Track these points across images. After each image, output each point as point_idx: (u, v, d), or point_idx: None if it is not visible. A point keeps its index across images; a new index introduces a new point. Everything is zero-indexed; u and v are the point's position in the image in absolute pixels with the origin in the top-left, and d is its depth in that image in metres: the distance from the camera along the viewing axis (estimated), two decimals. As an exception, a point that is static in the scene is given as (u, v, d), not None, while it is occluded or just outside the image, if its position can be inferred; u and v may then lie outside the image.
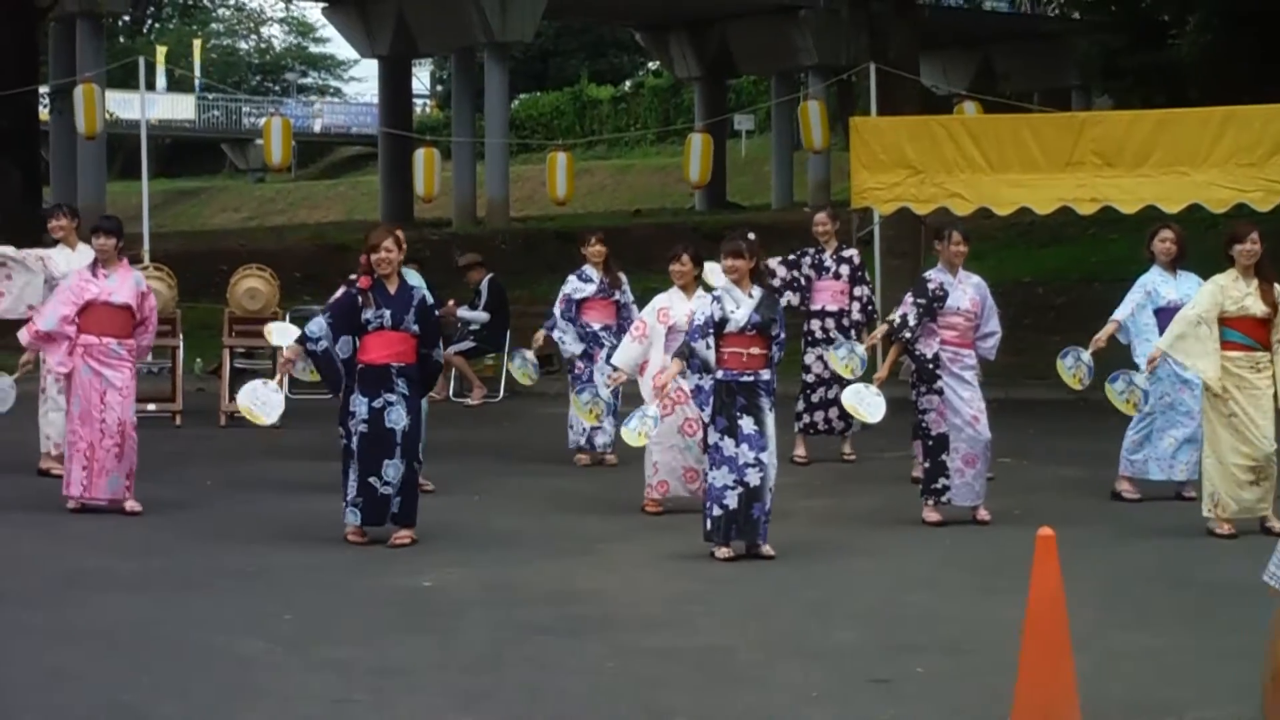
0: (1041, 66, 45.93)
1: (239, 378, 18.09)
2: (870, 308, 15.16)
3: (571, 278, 14.90)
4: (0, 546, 11.15)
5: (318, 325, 11.11)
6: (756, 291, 10.78)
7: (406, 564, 10.52)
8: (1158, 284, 12.85)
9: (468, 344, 20.01)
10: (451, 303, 19.58)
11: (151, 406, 17.59)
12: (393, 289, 11.10)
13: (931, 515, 11.98)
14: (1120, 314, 12.89)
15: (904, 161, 16.87)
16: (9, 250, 14.19)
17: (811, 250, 15.01)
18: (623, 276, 14.96)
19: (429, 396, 14.01)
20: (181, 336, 18.03)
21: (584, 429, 14.72)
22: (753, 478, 10.59)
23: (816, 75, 41.92)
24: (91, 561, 10.65)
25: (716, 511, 10.63)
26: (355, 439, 11.02)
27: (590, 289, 14.82)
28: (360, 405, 11.03)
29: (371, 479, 10.97)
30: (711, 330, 10.75)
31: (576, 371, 14.87)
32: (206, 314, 20.99)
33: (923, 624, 9.01)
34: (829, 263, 14.86)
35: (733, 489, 10.59)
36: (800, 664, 8.16)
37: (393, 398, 11.00)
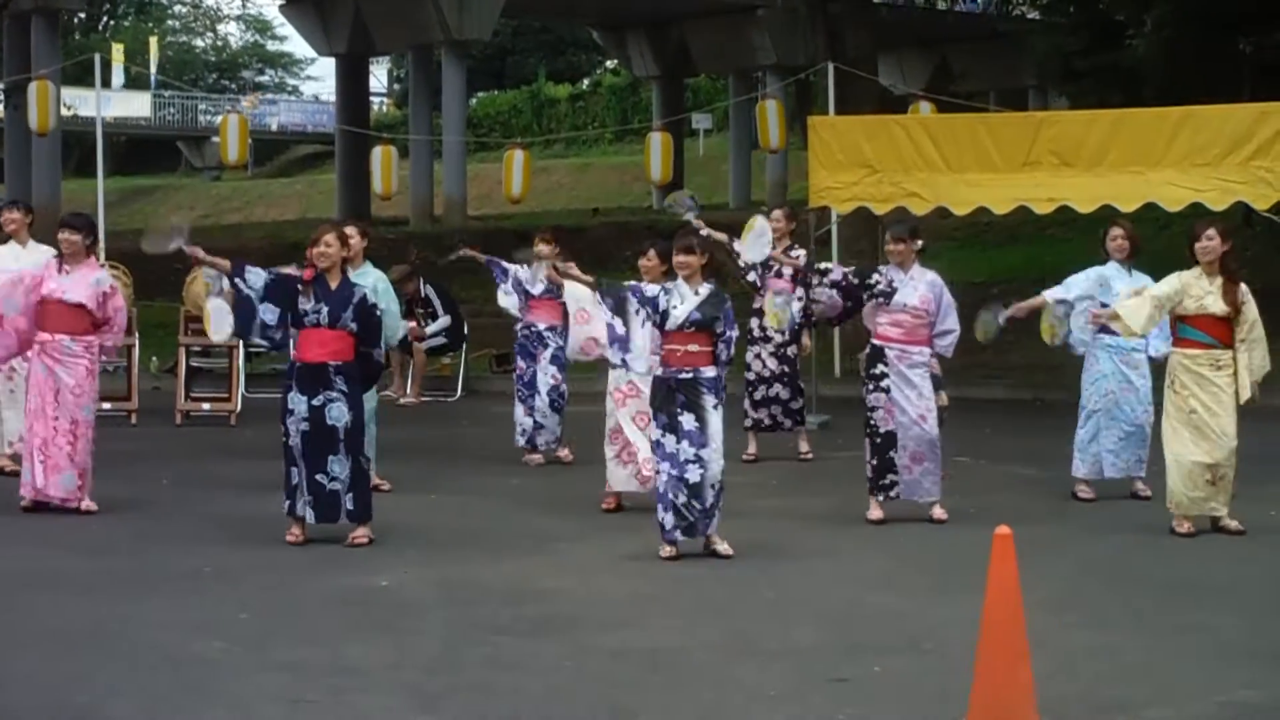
0: (998, 66, 46.04)
1: (195, 376, 18.09)
2: (810, 310, 15.15)
3: (524, 271, 14.89)
4: (-47, 546, 11.11)
5: (257, 276, 11.05)
6: (705, 289, 10.74)
7: (363, 564, 10.49)
8: (1112, 279, 12.86)
9: (438, 340, 20.11)
10: (414, 325, 19.60)
11: (107, 405, 17.48)
12: (334, 284, 11.04)
13: (875, 513, 12.02)
14: (1057, 293, 12.74)
15: (862, 161, 16.89)
16: None
17: None
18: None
19: (387, 394, 14.04)
20: (137, 335, 17.95)
21: (525, 429, 14.84)
22: (692, 474, 10.56)
23: (774, 74, 41.99)
24: (45, 561, 10.58)
25: (671, 520, 10.63)
26: (298, 437, 10.97)
27: (539, 288, 14.82)
28: (299, 403, 10.96)
29: (319, 476, 10.93)
30: (647, 306, 10.74)
31: (519, 371, 14.96)
32: (162, 313, 20.91)
33: (880, 623, 9.02)
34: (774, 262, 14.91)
35: (679, 486, 10.59)
36: (758, 663, 8.15)
37: (333, 394, 10.93)
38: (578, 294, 13.23)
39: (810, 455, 15.09)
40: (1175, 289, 11.53)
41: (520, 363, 15.03)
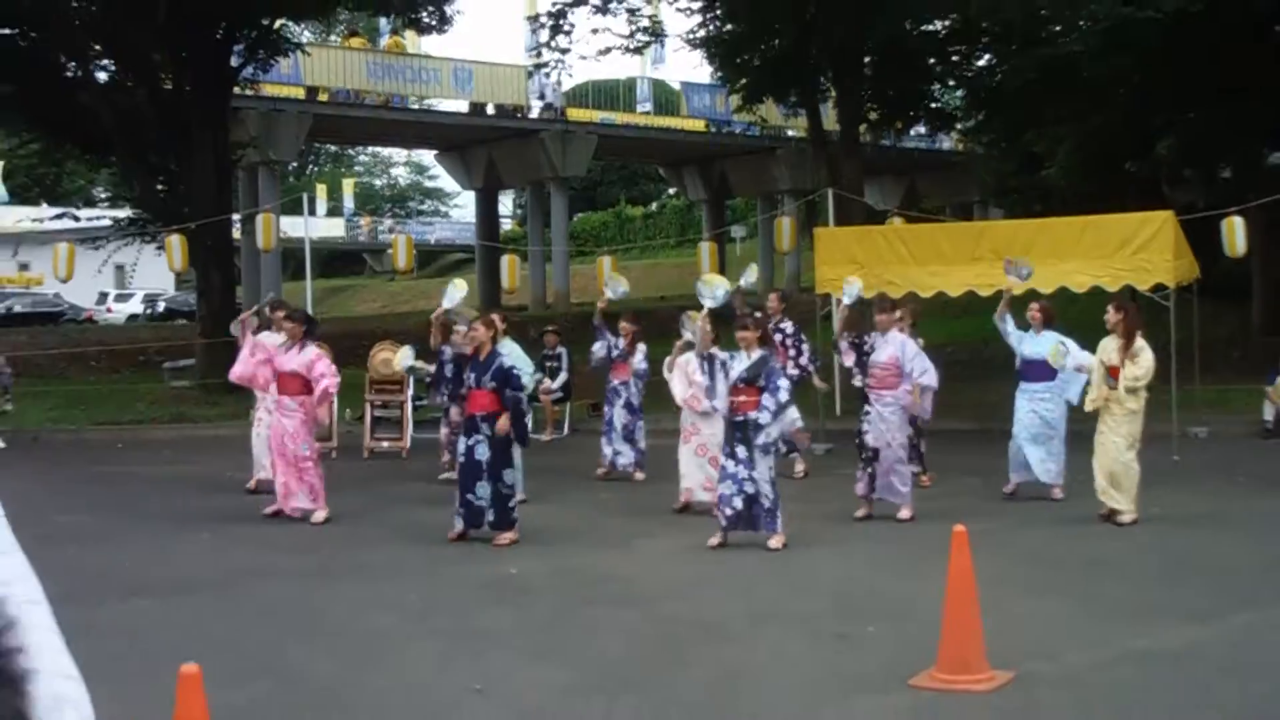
0: (953, 187, 45.85)
1: (377, 424, 18.19)
2: (806, 360, 14.89)
3: (613, 339, 15.07)
4: (207, 547, 11.19)
5: (445, 351, 11.92)
6: (757, 353, 10.76)
7: (497, 557, 10.49)
8: (1024, 340, 12.94)
9: (557, 394, 20.23)
10: (545, 383, 19.82)
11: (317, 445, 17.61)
12: (482, 357, 11.20)
13: (861, 512, 12.01)
14: (1009, 323, 12.89)
15: (854, 259, 16.84)
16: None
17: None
18: (641, 347, 15.04)
19: (545, 439, 14.18)
20: (335, 395, 18.05)
21: (605, 458, 14.99)
22: (749, 488, 10.60)
23: (790, 196, 41.92)
24: (265, 557, 10.64)
25: (729, 512, 10.68)
26: (458, 468, 11.10)
27: (615, 353, 15.01)
28: (462, 443, 11.18)
29: (469, 495, 11.05)
30: (724, 369, 10.88)
31: (605, 415, 15.18)
32: (353, 376, 21.00)
33: (872, 597, 8.94)
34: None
35: (737, 495, 10.62)
36: (780, 627, 8.10)
37: (480, 437, 11.08)
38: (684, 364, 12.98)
39: (801, 474, 14.74)
40: (1099, 351, 11.71)
41: (605, 408, 15.13)
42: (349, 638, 7.99)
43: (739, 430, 10.68)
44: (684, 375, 12.44)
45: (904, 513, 11.90)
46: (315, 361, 12.50)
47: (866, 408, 12.05)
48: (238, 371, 13.13)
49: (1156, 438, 12.49)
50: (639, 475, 14.87)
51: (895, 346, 12.03)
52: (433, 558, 10.55)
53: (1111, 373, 11.53)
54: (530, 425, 19.74)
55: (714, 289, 12.18)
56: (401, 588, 9.41)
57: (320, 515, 12.25)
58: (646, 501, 13.17)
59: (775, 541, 10.63)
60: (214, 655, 7.15)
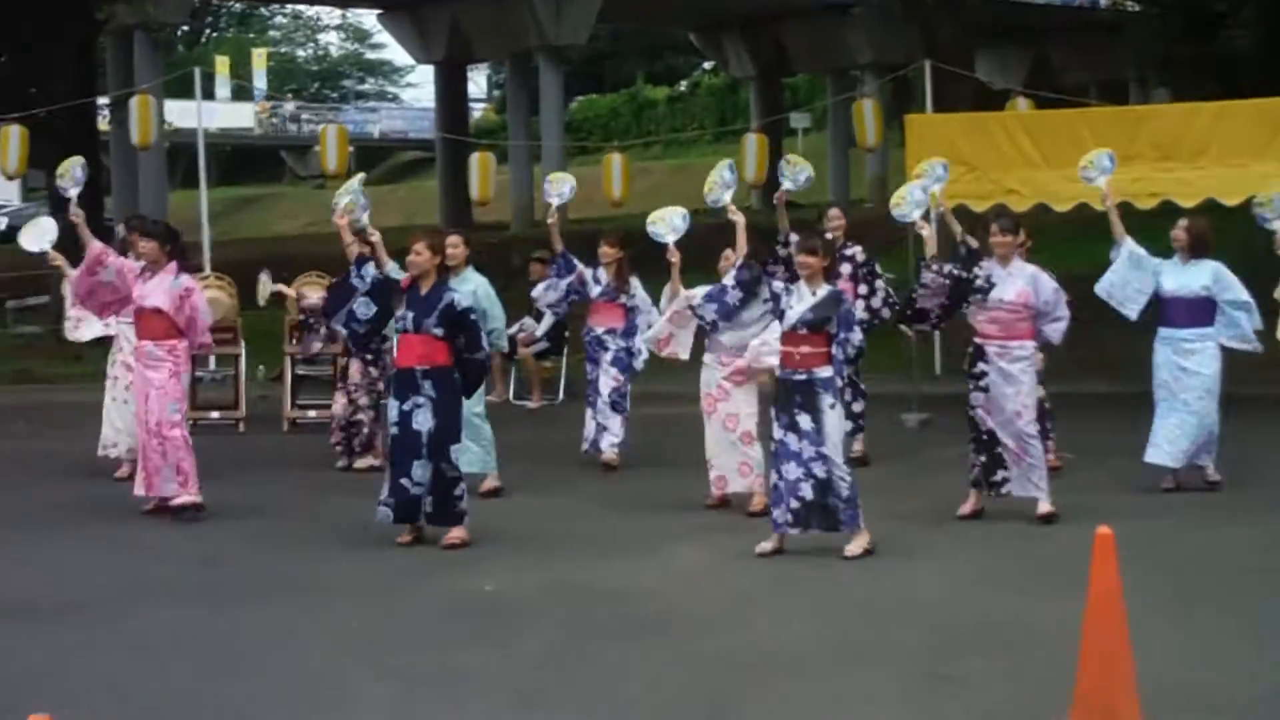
0: (1098, 59, 45.67)
1: (301, 386, 18.21)
2: (880, 301, 14.70)
3: (589, 271, 14.87)
4: (73, 555, 11.30)
5: (370, 271, 11.57)
6: (823, 290, 10.80)
7: (469, 569, 10.56)
8: (1163, 270, 12.93)
9: (541, 344, 20.15)
10: (523, 336, 19.70)
11: (215, 414, 17.72)
12: (424, 290, 11.22)
13: (967, 508, 12.01)
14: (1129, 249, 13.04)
15: (959, 158, 16.78)
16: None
17: None
18: (634, 280, 14.87)
19: (489, 399, 14.21)
20: (243, 345, 18.16)
21: (588, 436, 14.89)
22: (819, 470, 10.66)
23: (871, 73, 41.88)
24: (162, 569, 10.74)
25: (794, 504, 10.73)
26: (390, 441, 11.19)
27: (596, 290, 14.83)
28: (393, 408, 11.25)
29: (403, 480, 11.12)
30: (775, 299, 10.99)
31: (589, 377, 15.02)
32: (267, 321, 21.07)
33: (984, 623, 9.01)
34: None
35: (805, 480, 10.68)
36: (863, 662, 8.18)
37: (420, 400, 11.09)
38: (685, 294, 12.96)
39: (859, 454, 14.43)
40: None
41: (588, 368, 15.10)
42: (272, 680, 8.09)
43: (798, 393, 10.74)
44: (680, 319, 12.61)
45: (1043, 506, 11.91)
46: (185, 298, 12.43)
47: (980, 366, 11.96)
48: (78, 283, 13.15)
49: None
50: (612, 458, 14.73)
51: (1026, 280, 11.98)
52: (382, 570, 10.64)
53: None
54: (512, 388, 20.08)
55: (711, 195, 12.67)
56: (343, 612, 9.50)
57: (186, 499, 12.33)
58: (671, 493, 13.20)
59: (856, 546, 10.72)
60: (83, 700, 7.25)
